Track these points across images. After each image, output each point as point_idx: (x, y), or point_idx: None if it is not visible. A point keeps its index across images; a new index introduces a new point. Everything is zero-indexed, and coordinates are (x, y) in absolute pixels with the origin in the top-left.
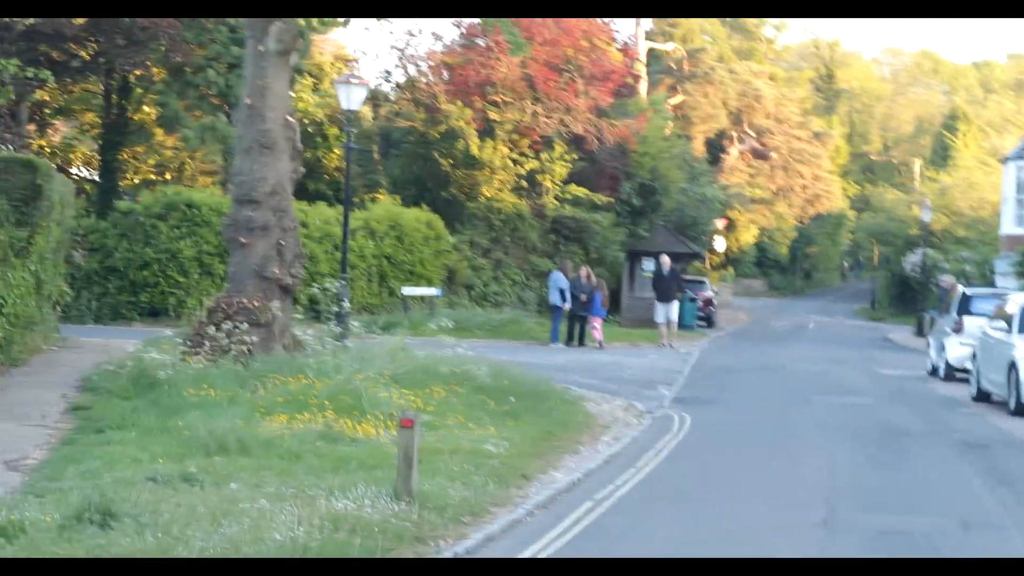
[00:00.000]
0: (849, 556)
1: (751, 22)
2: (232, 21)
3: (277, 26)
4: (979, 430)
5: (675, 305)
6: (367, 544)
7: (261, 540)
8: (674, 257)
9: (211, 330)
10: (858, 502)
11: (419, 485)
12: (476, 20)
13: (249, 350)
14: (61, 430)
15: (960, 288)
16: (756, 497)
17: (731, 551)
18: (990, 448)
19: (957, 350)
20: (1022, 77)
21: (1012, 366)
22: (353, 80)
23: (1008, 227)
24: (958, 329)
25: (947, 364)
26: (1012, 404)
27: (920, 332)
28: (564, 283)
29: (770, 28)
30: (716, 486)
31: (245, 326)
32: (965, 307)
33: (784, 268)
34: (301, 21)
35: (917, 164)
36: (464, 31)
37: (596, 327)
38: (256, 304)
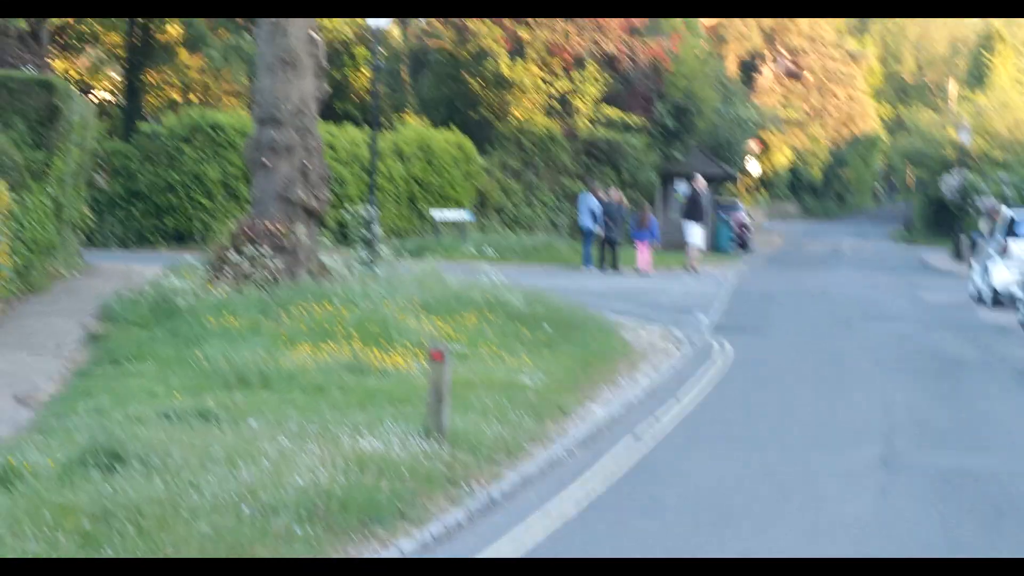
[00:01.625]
0: (912, 500)
1: None
2: None
3: None
4: None
5: (701, 228)
6: (395, 488)
7: (280, 485)
8: (708, 179)
9: (233, 256)
10: (917, 439)
11: (451, 422)
12: None
13: (273, 276)
14: (76, 361)
15: (1004, 210)
16: (807, 434)
17: (782, 500)
18: None
19: (1003, 274)
20: None
21: None
22: None
23: None
24: (1004, 252)
25: (993, 289)
26: None
27: (958, 255)
28: (595, 205)
29: None
30: (763, 422)
31: (269, 251)
32: (1010, 230)
33: (817, 191)
34: None
35: (952, 85)
36: None
37: (644, 252)
38: (280, 228)
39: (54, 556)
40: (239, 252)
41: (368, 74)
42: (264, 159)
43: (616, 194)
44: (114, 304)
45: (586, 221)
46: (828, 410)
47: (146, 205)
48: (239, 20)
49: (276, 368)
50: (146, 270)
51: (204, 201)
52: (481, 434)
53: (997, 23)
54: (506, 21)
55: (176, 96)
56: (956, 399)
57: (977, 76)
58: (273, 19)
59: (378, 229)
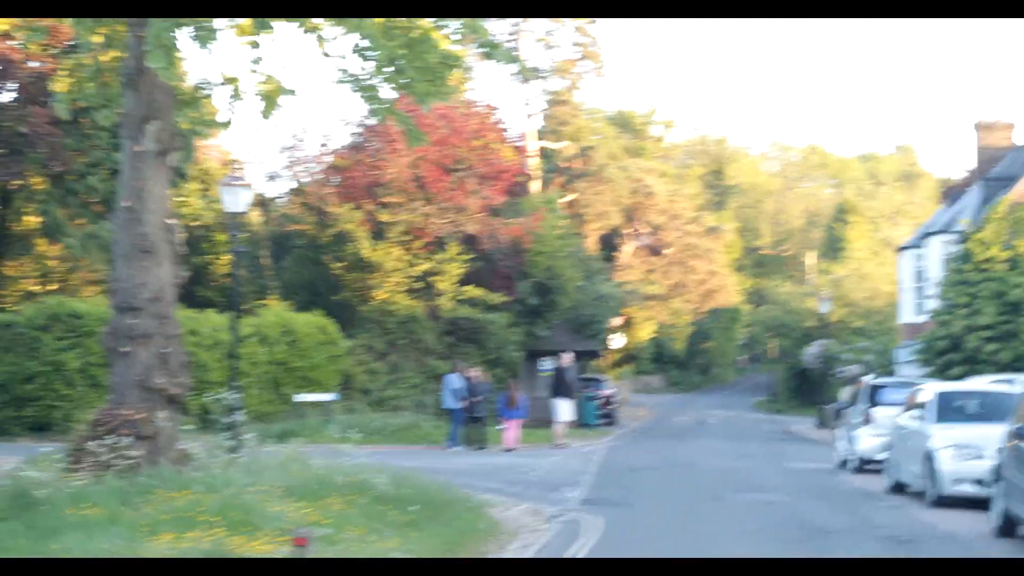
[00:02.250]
0: None
1: (639, 120)
2: (111, 125)
3: (154, 125)
4: (902, 524)
5: (569, 404)
6: None
7: None
8: (573, 356)
9: (92, 445)
10: None
11: None
12: (368, 119)
13: (133, 465)
14: None
15: (867, 379)
16: None
17: None
18: (917, 543)
19: (868, 441)
20: (908, 168)
21: (929, 456)
22: (237, 182)
23: (908, 315)
24: (868, 420)
25: (859, 456)
26: (931, 495)
27: (822, 424)
28: (456, 384)
29: (660, 126)
30: None
31: (129, 439)
32: (874, 398)
33: (682, 363)
34: (182, 122)
35: (809, 257)
36: (352, 133)
37: (512, 430)
38: (140, 416)
39: None
40: (99, 441)
41: (229, 259)
42: (122, 347)
43: (476, 372)
44: None
45: (449, 401)
46: None
47: (6, 395)
48: (97, 208)
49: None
50: (4, 461)
51: (65, 390)
52: None
53: (851, 197)
54: (366, 204)
55: (35, 287)
56: None
57: (833, 247)
58: (128, 206)
59: (241, 415)
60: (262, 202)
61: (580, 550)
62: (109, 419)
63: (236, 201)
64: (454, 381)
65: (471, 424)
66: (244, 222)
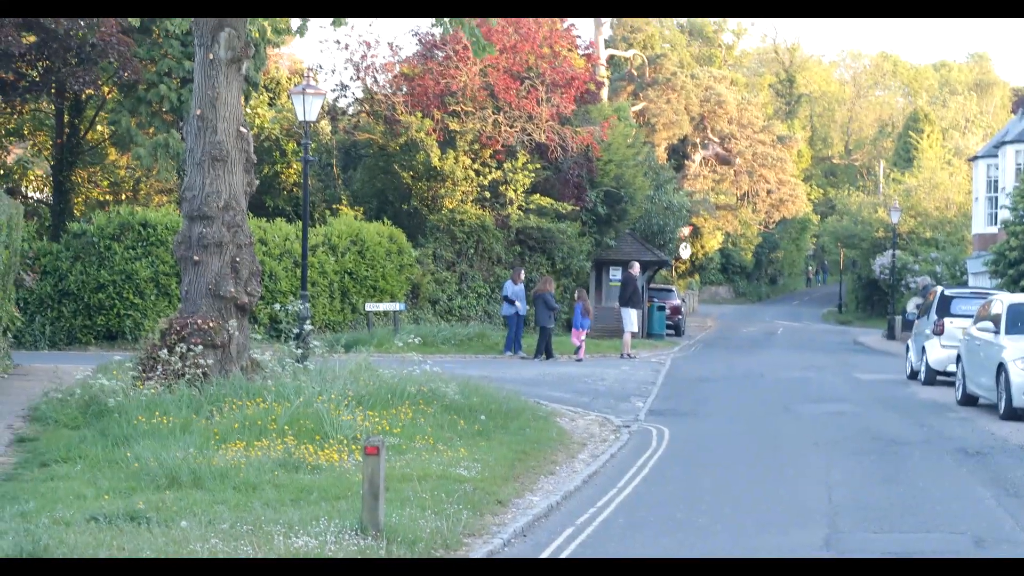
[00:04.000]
0: None
1: (710, 28)
2: (182, 33)
3: (227, 33)
4: (973, 436)
5: (637, 314)
6: None
7: None
8: (642, 265)
9: (164, 353)
10: (861, 519)
11: (387, 516)
12: (434, 29)
13: (204, 373)
14: (3, 464)
15: (938, 289)
16: (749, 519)
17: None
18: (989, 456)
19: (939, 352)
20: (982, 77)
21: (1001, 368)
22: (309, 90)
23: (979, 226)
24: (939, 331)
25: (928, 367)
26: (1002, 408)
27: (891, 335)
28: (511, 290)
29: (729, 34)
30: (704, 508)
31: (200, 348)
32: (945, 308)
33: (749, 274)
34: (253, 30)
35: (881, 166)
36: (422, 40)
37: (579, 340)
38: (211, 324)
39: None
40: (170, 350)
41: (298, 168)
42: (194, 255)
43: (548, 282)
44: (43, 405)
45: (505, 308)
46: (769, 493)
47: (76, 304)
48: (166, 116)
49: (208, 467)
50: (76, 370)
51: (135, 299)
52: (418, 528)
53: (924, 105)
54: (436, 113)
55: (105, 196)
56: (897, 479)
57: (905, 157)
58: (201, 114)
59: (309, 324)
60: (332, 111)
61: (649, 459)
62: (180, 328)
63: (307, 109)
64: (508, 287)
65: (542, 334)
66: (314, 131)
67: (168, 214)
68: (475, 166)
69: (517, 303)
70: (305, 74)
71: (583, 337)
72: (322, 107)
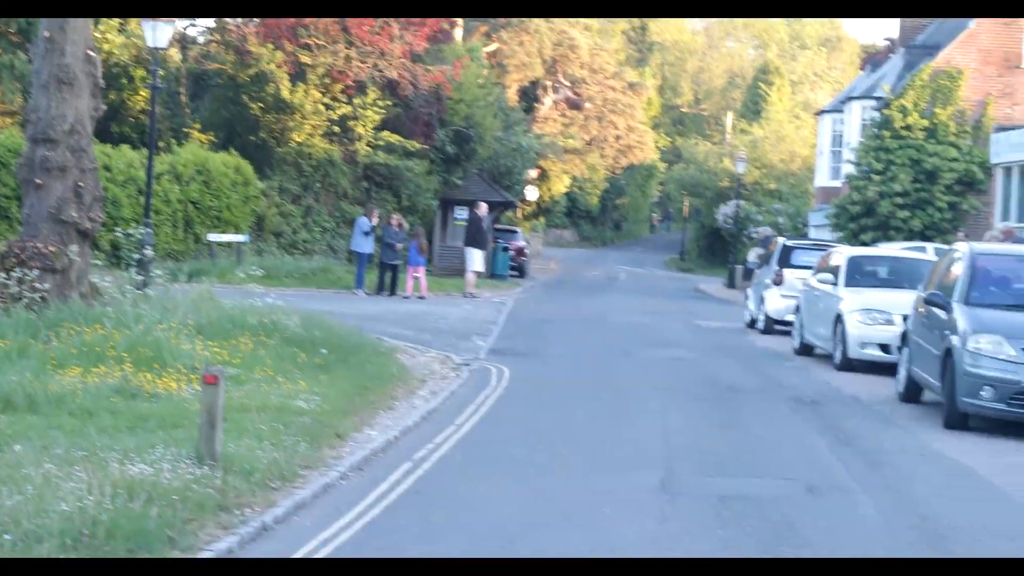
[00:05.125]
0: (693, 524)
1: None
2: None
3: None
4: (808, 385)
5: (482, 254)
6: (165, 515)
7: (45, 512)
8: (489, 206)
9: (2, 277)
10: (696, 463)
11: (224, 446)
12: None
13: (43, 298)
14: None
15: (780, 240)
16: (585, 459)
17: (563, 524)
18: (823, 405)
19: (778, 302)
20: (832, 33)
21: (839, 319)
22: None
23: (823, 179)
24: (779, 281)
25: (767, 316)
26: (838, 358)
27: (732, 284)
28: (367, 227)
29: None
30: (542, 447)
31: (38, 272)
32: (785, 259)
33: (594, 219)
34: None
35: (729, 117)
36: None
37: (419, 276)
38: (52, 249)
39: None
40: (7, 273)
41: (146, 95)
42: (37, 178)
43: (396, 219)
44: None
45: (358, 244)
46: (608, 435)
47: None
48: (13, 37)
49: (44, 392)
50: None
51: None
52: (255, 459)
53: (774, 58)
54: (287, 45)
55: None
56: (733, 424)
57: (753, 109)
58: (49, 36)
59: (151, 252)
60: (182, 40)
61: (489, 397)
62: (19, 251)
63: (157, 36)
64: (365, 224)
65: (383, 270)
66: (164, 59)
67: (11, 136)
68: (325, 100)
69: (398, 245)
70: None
71: (418, 274)
72: (172, 35)
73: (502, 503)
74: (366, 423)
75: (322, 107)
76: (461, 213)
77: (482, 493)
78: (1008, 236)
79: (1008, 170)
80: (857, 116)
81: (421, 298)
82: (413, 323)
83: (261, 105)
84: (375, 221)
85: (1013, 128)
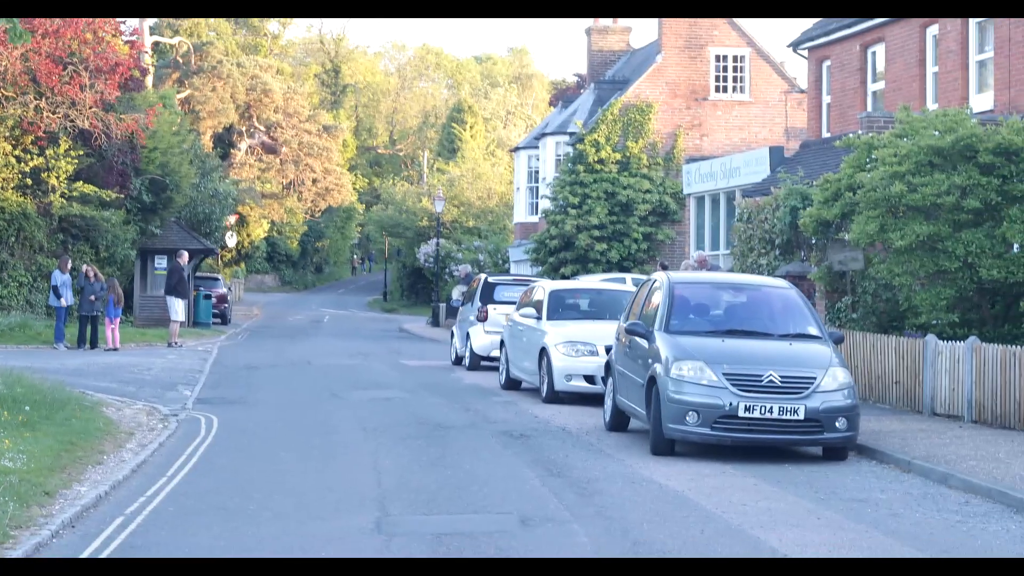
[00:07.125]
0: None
1: (255, 18)
2: None
3: None
4: (517, 419)
5: (184, 303)
6: None
7: None
8: (189, 254)
9: None
10: (410, 503)
11: None
12: None
13: None
14: None
15: (482, 277)
16: (299, 503)
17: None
18: (532, 438)
19: (483, 339)
20: (522, 70)
21: (543, 352)
22: None
23: (521, 215)
24: (483, 318)
25: (472, 353)
26: (545, 391)
27: (436, 322)
28: (59, 280)
29: (276, 23)
30: (255, 495)
31: None
32: (488, 295)
33: (295, 262)
34: None
35: (425, 156)
36: None
37: (113, 328)
38: None
39: None
40: None
41: None
42: None
43: (90, 270)
44: None
45: (52, 299)
46: (319, 479)
47: None
48: None
49: None
50: None
51: None
52: None
53: (467, 97)
54: None
55: None
56: (445, 462)
57: (449, 147)
58: None
59: None
60: None
61: (199, 448)
62: None
63: None
64: (57, 277)
65: (83, 322)
66: None
67: None
68: (16, 152)
69: (65, 294)
70: None
71: (113, 327)
72: None
73: (218, 554)
74: (75, 479)
75: (13, 160)
76: (161, 262)
77: (196, 544)
78: (703, 264)
79: (700, 200)
80: (551, 152)
81: (114, 350)
82: (117, 375)
83: None
84: (67, 272)
85: (703, 159)
